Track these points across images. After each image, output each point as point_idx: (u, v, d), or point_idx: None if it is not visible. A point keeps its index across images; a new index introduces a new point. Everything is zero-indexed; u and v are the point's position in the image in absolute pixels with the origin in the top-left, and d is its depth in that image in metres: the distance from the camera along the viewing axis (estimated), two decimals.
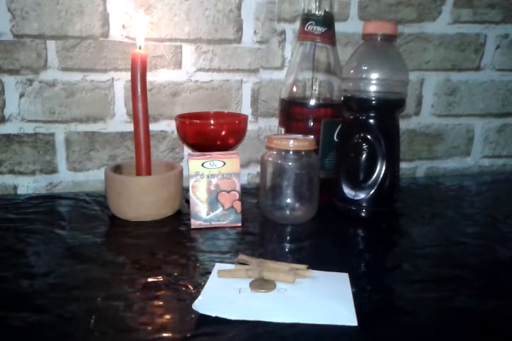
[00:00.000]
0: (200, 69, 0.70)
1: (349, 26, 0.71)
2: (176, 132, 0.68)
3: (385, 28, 0.55)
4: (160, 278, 0.43)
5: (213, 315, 0.36)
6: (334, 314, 0.37)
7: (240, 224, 0.55)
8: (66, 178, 0.69)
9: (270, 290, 0.40)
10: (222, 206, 0.55)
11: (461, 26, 0.76)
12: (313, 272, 0.43)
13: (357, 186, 0.56)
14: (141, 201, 0.55)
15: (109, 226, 0.55)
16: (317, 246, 0.51)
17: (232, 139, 0.61)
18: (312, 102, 0.62)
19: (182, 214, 0.59)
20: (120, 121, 0.70)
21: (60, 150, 0.69)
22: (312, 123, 0.61)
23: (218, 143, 0.60)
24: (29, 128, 0.67)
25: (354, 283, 0.42)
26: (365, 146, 0.55)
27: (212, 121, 0.61)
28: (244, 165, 0.74)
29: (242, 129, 0.63)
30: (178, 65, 0.69)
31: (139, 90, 0.55)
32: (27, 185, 0.69)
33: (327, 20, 0.60)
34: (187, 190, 0.56)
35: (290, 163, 0.54)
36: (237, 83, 0.71)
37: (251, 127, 0.72)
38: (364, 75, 0.54)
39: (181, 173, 0.59)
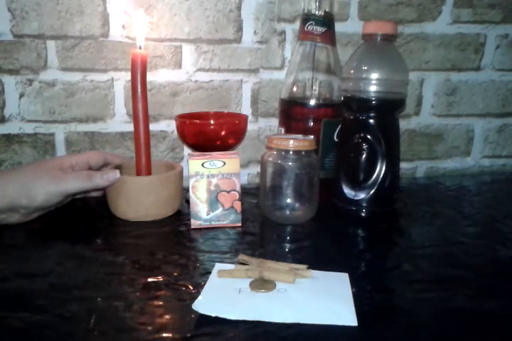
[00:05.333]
0: (200, 69, 0.70)
1: (349, 26, 0.71)
2: (175, 132, 0.68)
3: (385, 28, 0.55)
4: (160, 278, 0.43)
5: (213, 315, 0.36)
6: (334, 314, 0.37)
7: (239, 224, 0.55)
8: None
9: (270, 290, 0.40)
10: (222, 206, 0.55)
11: (461, 26, 0.76)
12: (313, 272, 0.43)
13: (357, 186, 0.56)
14: (141, 201, 0.55)
15: (109, 226, 0.55)
16: (317, 246, 0.51)
17: (232, 139, 0.61)
18: (312, 102, 0.61)
19: (182, 214, 0.59)
20: (120, 121, 0.70)
21: (60, 150, 0.69)
22: (312, 123, 0.61)
23: (218, 143, 0.60)
24: (29, 128, 0.68)
25: (354, 283, 0.42)
26: (365, 146, 0.55)
27: (212, 121, 0.61)
28: (244, 165, 0.74)
29: (242, 129, 0.63)
30: (178, 65, 0.69)
31: (139, 90, 0.55)
32: None
33: (327, 20, 0.60)
34: (187, 190, 0.56)
35: (290, 163, 0.54)
36: (237, 83, 0.71)
37: (251, 127, 0.72)
38: (364, 75, 0.54)
39: (181, 173, 0.59)
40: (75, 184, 0.52)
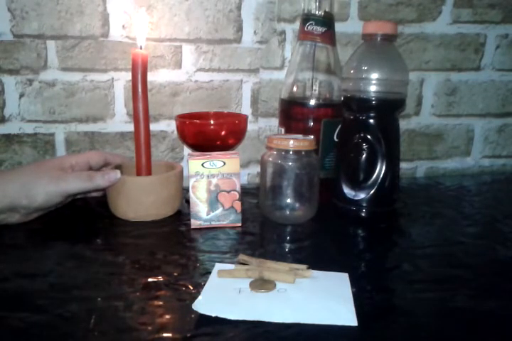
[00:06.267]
0: (200, 69, 0.70)
1: (349, 26, 0.71)
2: (175, 132, 0.68)
3: (385, 28, 0.55)
4: (160, 278, 0.43)
5: (213, 315, 0.36)
6: (334, 314, 0.37)
7: (239, 224, 0.55)
8: None
9: (270, 290, 0.40)
10: (222, 206, 0.55)
11: (461, 26, 0.76)
12: (313, 272, 0.43)
13: (357, 186, 0.56)
14: (141, 201, 0.55)
15: (109, 226, 0.55)
16: (317, 246, 0.51)
17: (232, 139, 0.61)
18: (312, 102, 0.61)
19: (182, 214, 0.59)
20: (120, 121, 0.70)
21: (60, 150, 0.69)
22: (312, 123, 0.61)
23: (218, 143, 0.60)
24: (29, 128, 0.68)
25: (354, 283, 0.42)
26: (365, 146, 0.55)
27: (212, 121, 0.61)
28: (244, 165, 0.74)
29: (242, 129, 0.63)
30: (178, 65, 0.69)
31: (140, 90, 0.55)
32: None
33: (327, 20, 0.60)
34: (187, 190, 0.56)
35: (290, 163, 0.54)
36: (237, 83, 0.71)
37: (251, 127, 0.72)
38: (364, 75, 0.54)
39: (181, 173, 0.59)
40: (75, 184, 0.52)
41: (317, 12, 0.60)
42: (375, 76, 0.54)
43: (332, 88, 0.62)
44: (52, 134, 0.68)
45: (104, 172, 0.54)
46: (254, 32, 0.70)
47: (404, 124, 0.77)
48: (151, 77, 0.67)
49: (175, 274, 0.43)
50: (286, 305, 0.38)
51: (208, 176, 0.54)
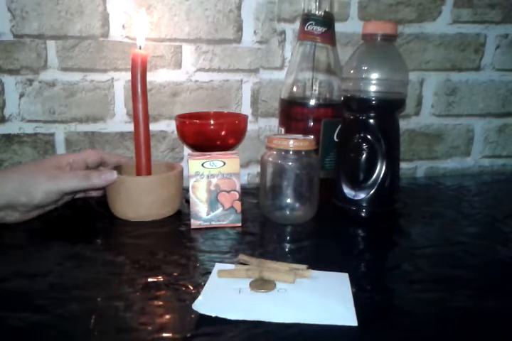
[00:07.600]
0: (200, 69, 0.70)
1: (349, 26, 0.71)
2: (175, 132, 0.68)
3: (385, 28, 0.55)
4: (160, 278, 0.43)
5: (213, 315, 0.36)
6: (334, 314, 0.37)
7: (239, 224, 0.55)
8: None
9: (270, 290, 0.40)
10: (222, 206, 0.55)
11: (461, 26, 0.76)
12: (313, 272, 0.43)
13: (357, 186, 0.56)
14: (141, 201, 0.55)
15: (109, 226, 0.55)
16: (317, 246, 0.51)
17: (232, 139, 0.61)
18: (312, 102, 0.62)
19: (182, 214, 0.59)
20: (120, 121, 0.70)
21: (60, 150, 0.69)
22: (312, 123, 0.61)
23: (218, 143, 0.60)
24: (29, 128, 0.68)
25: (354, 283, 0.42)
26: (365, 146, 0.55)
27: (212, 121, 0.61)
28: (244, 165, 0.74)
29: (242, 129, 0.63)
30: (178, 65, 0.69)
31: (139, 90, 0.55)
32: None
33: (327, 20, 0.60)
34: (187, 190, 0.56)
35: (290, 163, 0.54)
36: (237, 83, 0.71)
37: (251, 127, 0.72)
38: (364, 75, 0.54)
39: (181, 173, 0.59)
40: (72, 183, 0.52)
41: (317, 12, 0.60)
42: (375, 76, 0.54)
43: (332, 88, 0.62)
44: (52, 134, 0.68)
45: (101, 172, 0.54)
46: (254, 32, 0.70)
47: (404, 124, 0.77)
48: (150, 77, 0.67)
49: (175, 274, 0.43)
50: (286, 305, 0.38)
51: (208, 176, 0.54)
